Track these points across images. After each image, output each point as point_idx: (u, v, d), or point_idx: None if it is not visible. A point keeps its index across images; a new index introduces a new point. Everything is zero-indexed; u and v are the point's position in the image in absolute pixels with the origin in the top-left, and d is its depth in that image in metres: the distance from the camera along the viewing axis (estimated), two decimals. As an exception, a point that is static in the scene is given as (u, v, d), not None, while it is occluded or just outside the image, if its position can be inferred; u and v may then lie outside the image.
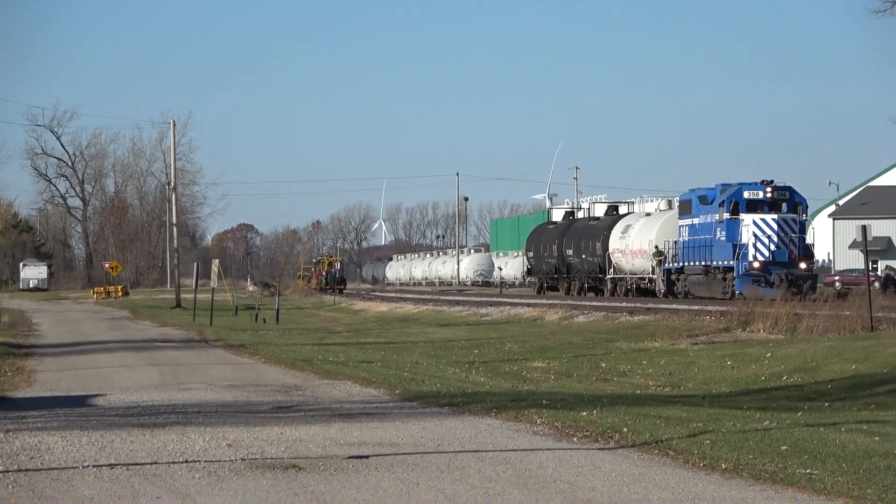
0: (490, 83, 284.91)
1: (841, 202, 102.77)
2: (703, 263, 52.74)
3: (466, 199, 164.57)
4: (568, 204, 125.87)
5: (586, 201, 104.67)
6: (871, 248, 51.58)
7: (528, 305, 58.76)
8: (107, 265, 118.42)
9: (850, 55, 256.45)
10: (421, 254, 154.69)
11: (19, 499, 11.96)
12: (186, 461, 14.28)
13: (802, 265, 49.66)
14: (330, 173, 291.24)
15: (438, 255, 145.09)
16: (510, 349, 37.03)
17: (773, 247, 49.31)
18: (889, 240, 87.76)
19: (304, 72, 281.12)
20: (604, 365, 31.34)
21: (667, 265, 57.33)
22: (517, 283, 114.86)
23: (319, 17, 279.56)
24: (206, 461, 14.27)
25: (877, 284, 51.45)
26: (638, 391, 24.99)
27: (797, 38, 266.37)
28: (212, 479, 13.09)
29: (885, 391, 23.94)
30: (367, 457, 14.49)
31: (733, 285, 49.14)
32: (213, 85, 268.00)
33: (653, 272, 59.64)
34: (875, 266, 71.10)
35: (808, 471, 13.31)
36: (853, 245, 69.43)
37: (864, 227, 39.36)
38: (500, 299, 69.27)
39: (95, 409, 20.58)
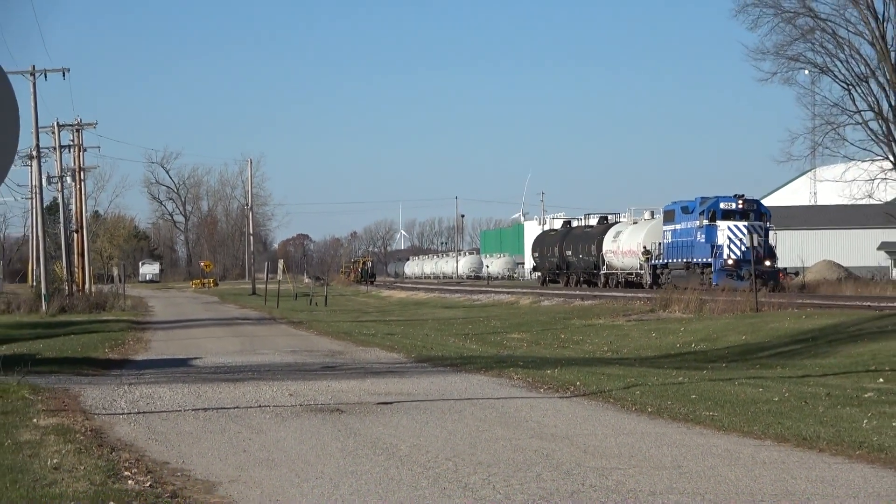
0: (483, 131, 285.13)
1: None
2: (684, 261, 50.39)
3: (463, 215, 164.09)
4: (536, 219, 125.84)
5: (550, 218, 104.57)
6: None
7: (508, 293, 58.67)
8: (202, 264, 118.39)
9: (748, 110, 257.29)
10: (430, 255, 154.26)
11: (139, 432, 11.97)
12: (259, 406, 14.28)
13: (767, 263, 47.00)
14: (364, 196, 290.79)
15: (442, 256, 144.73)
16: (494, 325, 37.03)
17: (743, 248, 46.33)
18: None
19: (349, 120, 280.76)
20: (563, 336, 31.34)
21: (653, 262, 54.82)
22: (500, 277, 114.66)
23: (356, 79, 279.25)
24: (273, 406, 14.27)
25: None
26: (588, 355, 24.99)
27: (717, 92, 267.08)
28: (278, 419, 13.08)
29: (767, 355, 23.94)
30: (391, 403, 14.48)
31: (711, 278, 46.61)
32: (280, 130, 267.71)
33: (641, 268, 56.99)
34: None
35: (711, 413, 13.30)
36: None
37: (752, 236, 39.40)
38: (487, 289, 69.19)
39: (193, 369, 20.59)
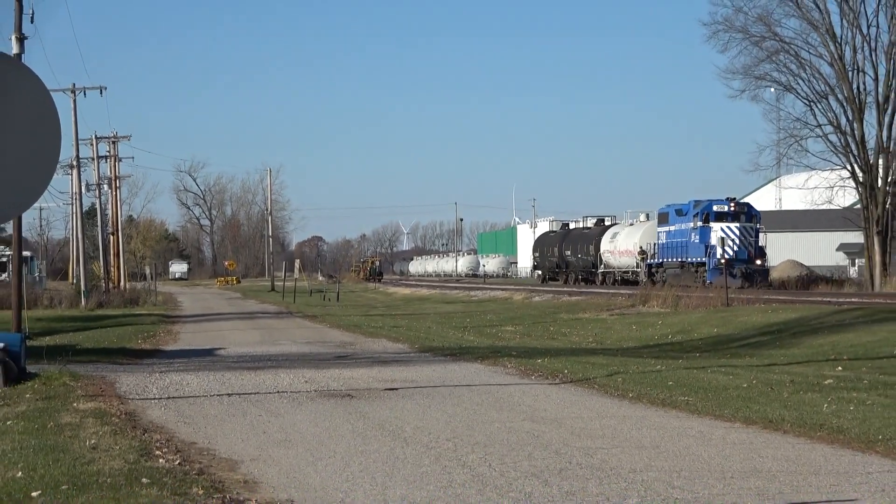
0: (480, 142, 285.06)
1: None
2: (679, 260, 48.97)
3: (461, 219, 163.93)
4: (529, 223, 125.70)
5: (549, 220, 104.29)
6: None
7: (502, 289, 58.62)
8: (226, 263, 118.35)
9: (720, 123, 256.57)
10: (432, 255, 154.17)
11: (169, 416, 11.98)
12: (278, 391, 14.29)
13: (758, 262, 46.15)
14: (373, 201, 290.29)
15: (443, 256, 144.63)
16: (490, 318, 36.99)
17: (735, 247, 45.50)
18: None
19: (359, 133, 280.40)
20: (552, 328, 31.31)
21: (649, 262, 53.38)
22: (495, 275, 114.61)
23: (366, 97, 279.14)
24: (290, 391, 14.28)
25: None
26: (574, 346, 24.97)
27: (695, 108, 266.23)
28: (294, 403, 13.09)
29: (737, 346, 23.94)
30: (396, 389, 14.49)
31: (704, 276, 45.15)
32: (297, 142, 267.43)
33: (637, 267, 55.58)
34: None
35: (686, 398, 13.30)
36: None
37: (722, 239, 39.46)
38: (483, 286, 69.15)
39: (218, 358, 20.60)
